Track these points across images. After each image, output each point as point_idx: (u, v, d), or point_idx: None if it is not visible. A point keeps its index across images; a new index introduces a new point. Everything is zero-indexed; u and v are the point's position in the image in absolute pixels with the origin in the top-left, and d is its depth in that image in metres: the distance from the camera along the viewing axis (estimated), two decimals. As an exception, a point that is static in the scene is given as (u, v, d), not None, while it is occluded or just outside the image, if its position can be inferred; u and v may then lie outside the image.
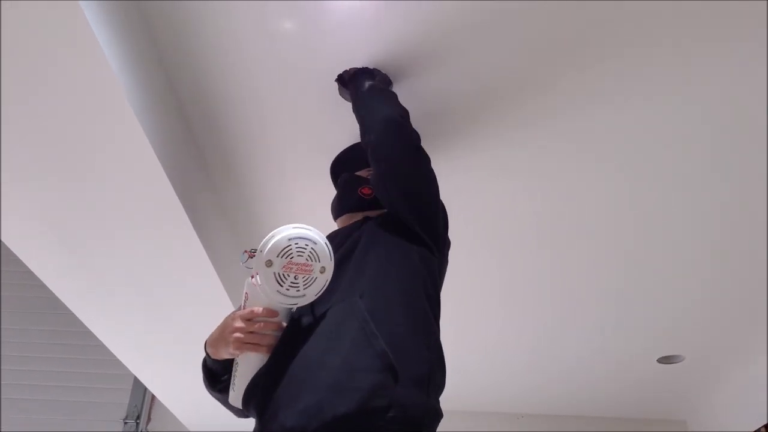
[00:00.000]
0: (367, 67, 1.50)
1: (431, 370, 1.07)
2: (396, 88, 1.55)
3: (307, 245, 1.03)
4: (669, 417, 3.47)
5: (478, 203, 1.98)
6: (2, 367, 3.36)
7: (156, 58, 1.50)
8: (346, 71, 1.51)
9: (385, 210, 1.34)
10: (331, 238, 1.29)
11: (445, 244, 1.34)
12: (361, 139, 1.40)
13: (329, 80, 1.54)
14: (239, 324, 1.06)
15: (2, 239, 1.72)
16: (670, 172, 1.81)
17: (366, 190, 1.43)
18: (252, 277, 1.05)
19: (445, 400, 1.11)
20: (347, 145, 1.67)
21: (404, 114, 1.41)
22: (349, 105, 1.53)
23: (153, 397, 3.34)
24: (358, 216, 1.39)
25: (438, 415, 1.05)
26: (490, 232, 2.11)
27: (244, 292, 1.10)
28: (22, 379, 3.35)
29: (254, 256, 1.03)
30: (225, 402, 1.15)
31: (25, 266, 1.83)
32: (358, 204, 1.42)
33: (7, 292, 3.50)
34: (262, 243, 1.03)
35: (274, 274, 1.01)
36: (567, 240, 2.12)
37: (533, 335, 2.74)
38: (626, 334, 2.70)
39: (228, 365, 1.13)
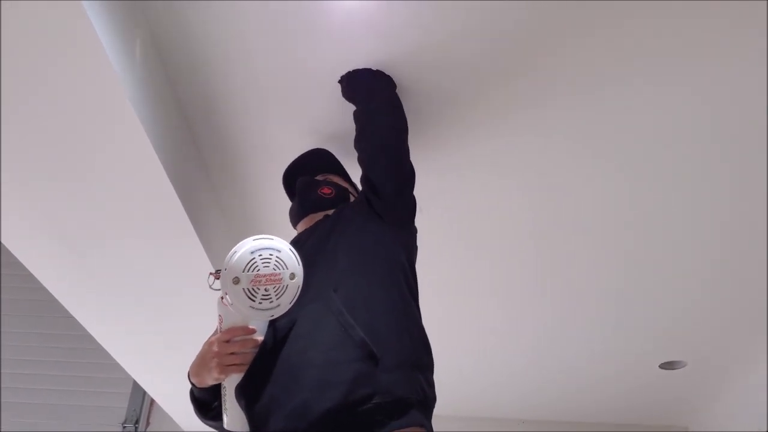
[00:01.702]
0: (370, 68, 1.50)
1: (414, 351, 1.07)
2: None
3: (271, 255, 1.00)
4: (671, 423, 3.45)
5: (472, 203, 1.98)
6: (1, 370, 3.35)
7: (157, 59, 1.50)
8: (349, 72, 1.51)
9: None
10: (296, 242, 1.30)
11: (413, 219, 1.36)
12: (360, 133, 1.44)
13: (331, 80, 1.54)
14: (217, 348, 1.05)
15: (2, 241, 1.72)
16: (671, 172, 1.81)
17: (326, 190, 1.45)
18: (222, 297, 1.02)
19: (442, 405, 1.10)
20: (348, 146, 1.67)
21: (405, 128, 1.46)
22: (351, 105, 1.53)
23: (152, 401, 3.33)
24: (318, 216, 1.40)
25: (427, 398, 1.04)
26: (486, 233, 2.10)
27: (218, 315, 1.08)
28: (20, 383, 3.34)
29: (220, 275, 1.00)
30: (221, 429, 1.13)
31: (24, 268, 1.83)
32: (319, 204, 1.44)
33: (6, 294, 3.49)
34: (225, 261, 1.00)
35: (243, 290, 0.98)
36: (564, 241, 2.12)
37: (532, 339, 2.73)
38: (627, 339, 2.69)
39: (216, 391, 1.12)
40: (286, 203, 2.00)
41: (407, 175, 1.36)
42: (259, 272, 0.99)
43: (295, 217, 1.52)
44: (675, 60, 1.46)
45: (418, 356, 1.08)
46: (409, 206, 1.34)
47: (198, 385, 1.12)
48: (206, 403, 1.16)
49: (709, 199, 1.90)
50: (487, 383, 3.14)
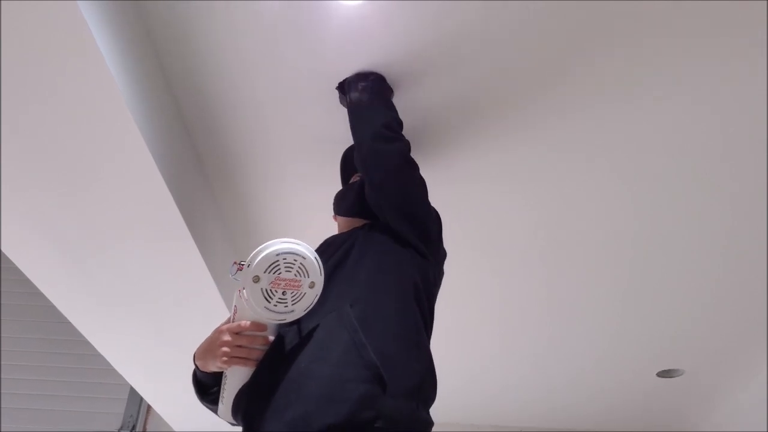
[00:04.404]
0: (361, 72, 1.49)
1: (421, 382, 1.06)
2: (394, 95, 1.55)
3: (295, 260, 1.01)
4: (668, 431, 3.45)
5: (475, 213, 1.98)
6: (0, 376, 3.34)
7: (156, 64, 1.50)
8: (346, 79, 1.51)
9: None
10: (326, 246, 1.29)
11: (439, 252, 1.33)
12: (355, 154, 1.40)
13: (330, 85, 1.53)
14: (227, 338, 1.05)
15: (1, 248, 1.72)
16: (673, 183, 1.81)
17: None
18: (240, 290, 1.03)
19: (440, 415, 1.10)
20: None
21: (391, 125, 1.38)
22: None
23: (149, 407, 3.32)
24: (358, 223, 1.38)
25: (428, 424, 1.04)
26: (487, 244, 2.10)
27: (233, 305, 1.08)
28: (18, 388, 3.33)
29: (243, 268, 1.01)
30: (216, 413, 1.14)
31: (22, 274, 1.82)
32: (366, 213, 1.38)
33: (4, 299, 3.49)
34: (249, 257, 1.00)
35: (262, 290, 0.99)
36: (567, 252, 2.12)
37: (531, 348, 2.73)
38: (626, 348, 2.69)
39: (218, 377, 1.12)
40: (286, 209, 2.01)
41: (417, 209, 1.30)
42: (280, 275, 1.00)
43: (343, 211, 1.47)
44: (679, 77, 1.47)
45: (425, 388, 1.07)
46: (426, 232, 1.28)
47: (201, 369, 1.13)
48: (206, 386, 1.17)
49: (708, 212, 1.91)
50: (487, 393, 3.13)
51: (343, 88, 1.53)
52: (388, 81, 1.52)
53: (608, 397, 3.12)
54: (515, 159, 1.77)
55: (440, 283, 1.34)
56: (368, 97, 1.44)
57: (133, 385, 2.64)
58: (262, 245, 1.01)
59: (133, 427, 3.28)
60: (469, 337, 2.62)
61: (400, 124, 1.44)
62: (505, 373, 2.94)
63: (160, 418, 3.07)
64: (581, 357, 2.77)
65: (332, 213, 1.54)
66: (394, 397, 0.98)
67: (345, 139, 1.67)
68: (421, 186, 1.35)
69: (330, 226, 1.58)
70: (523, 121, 1.64)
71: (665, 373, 2.88)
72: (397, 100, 1.56)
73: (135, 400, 3.32)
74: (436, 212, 1.36)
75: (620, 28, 1.38)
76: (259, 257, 1.00)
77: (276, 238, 1.03)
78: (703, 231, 1.99)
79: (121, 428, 3.27)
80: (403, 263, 1.21)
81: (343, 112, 1.56)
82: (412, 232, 1.25)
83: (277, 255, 1.00)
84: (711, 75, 1.48)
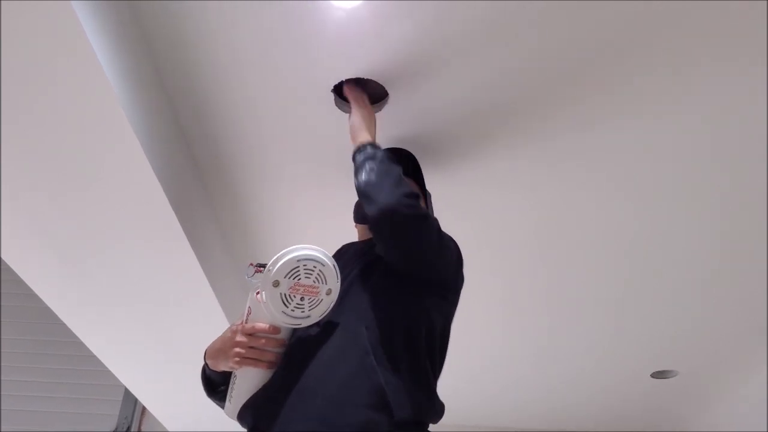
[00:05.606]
0: (360, 78, 1.48)
1: (425, 415, 1.06)
2: (395, 98, 1.55)
3: (315, 267, 1.03)
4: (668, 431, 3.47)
5: (476, 214, 1.98)
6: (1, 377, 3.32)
7: (151, 66, 1.49)
8: (341, 81, 1.50)
9: None
10: (343, 252, 1.28)
11: (457, 283, 1.29)
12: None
13: (327, 89, 1.53)
14: (241, 339, 1.06)
15: (-1, 250, 1.71)
16: (670, 187, 1.82)
17: None
18: (257, 293, 1.04)
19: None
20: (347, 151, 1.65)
21: (403, 201, 1.17)
22: (346, 115, 1.53)
23: (144, 408, 3.30)
24: None
25: None
26: (488, 245, 2.11)
27: (247, 306, 1.09)
28: (13, 390, 3.31)
29: (260, 271, 1.02)
30: (222, 408, 1.16)
31: (16, 275, 1.81)
32: None
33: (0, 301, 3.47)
34: (270, 262, 1.02)
35: (281, 294, 1.01)
36: (566, 253, 2.13)
37: (531, 348, 2.74)
38: (620, 349, 2.70)
39: (227, 376, 1.13)
40: (284, 210, 2.00)
41: (419, 238, 1.16)
42: (299, 281, 1.02)
43: (361, 218, 1.43)
44: (676, 75, 1.48)
45: (429, 417, 1.07)
46: (444, 277, 1.22)
47: (211, 367, 1.13)
48: (215, 384, 1.18)
49: (704, 215, 1.91)
50: (486, 393, 3.14)
51: (339, 90, 1.52)
52: (386, 83, 1.51)
53: (608, 397, 3.14)
54: (517, 163, 1.77)
55: (455, 309, 1.29)
56: (375, 178, 1.22)
57: (127, 387, 2.63)
58: (283, 250, 1.03)
59: (128, 429, 3.27)
60: (469, 338, 2.63)
61: (412, 195, 1.20)
62: (504, 374, 2.95)
63: (154, 420, 3.06)
64: (581, 357, 2.78)
65: (335, 216, 1.53)
66: (398, 427, 0.98)
67: (342, 140, 1.66)
68: (432, 237, 1.19)
69: (329, 226, 1.58)
70: (523, 128, 1.64)
71: (659, 374, 2.90)
72: (396, 103, 1.56)
73: (130, 401, 3.31)
74: (455, 244, 1.28)
75: (623, 38, 1.38)
76: (281, 262, 1.01)
77: (296, 244, 1.05)
78: (700, 233, 2.00)
79: (116, 429, 3.26)
80: (422, 299, 1.18)
81: (340, 113, 1.56)
82: (427, 280, 1.20)
83: (298, 261, 1.02)
84: (705, 85, 1.49)
